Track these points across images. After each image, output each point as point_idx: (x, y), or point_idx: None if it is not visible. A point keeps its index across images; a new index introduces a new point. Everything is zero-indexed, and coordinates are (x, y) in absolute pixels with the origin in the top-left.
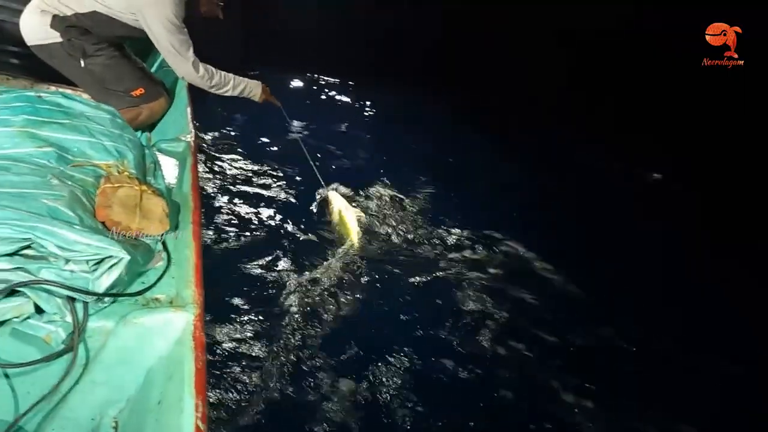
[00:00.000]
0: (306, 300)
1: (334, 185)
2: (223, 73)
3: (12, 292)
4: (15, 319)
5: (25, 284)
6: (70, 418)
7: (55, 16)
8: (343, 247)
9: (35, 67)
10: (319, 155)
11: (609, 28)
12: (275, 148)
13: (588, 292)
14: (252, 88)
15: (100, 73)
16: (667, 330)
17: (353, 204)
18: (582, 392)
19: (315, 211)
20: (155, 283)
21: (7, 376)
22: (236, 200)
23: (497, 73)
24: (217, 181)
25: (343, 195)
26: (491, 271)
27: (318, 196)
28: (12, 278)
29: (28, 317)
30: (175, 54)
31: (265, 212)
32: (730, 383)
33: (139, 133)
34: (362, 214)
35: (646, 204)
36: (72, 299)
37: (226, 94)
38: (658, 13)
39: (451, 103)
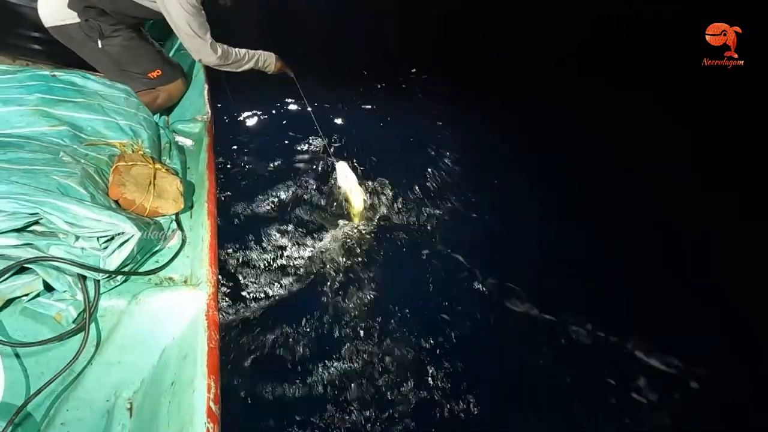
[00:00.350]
0: (319, 280)
1: (345, 164)
2: (236, 49)
3: (21, 269)
4: (24, 297)
5: (34, 261)
6: (84, 399)
7: None
8: (351, 225)
9: (55, 52)
10: (328, 134)
11: (609, 28)
12: (289, 128)
13: (587, 292)
14: (266, 59)
15: (117, 54)
16: (667, 329)
17: (359, 183)
18: (582, 391)
19: (326, 188)
20: (169, 262)
21: (17, 355)
22: (251, 179)
23: (497, 73)
24: (233, 161)
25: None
26: (487, 267)
27: (330, 171)
28: (21, 254)
29: (38, 295)
30: (193, 36)
31: (280, 191)
32: (731, 383)
33: (156, 116)
34: (366, 196)
35: (647, 203)
36: (83, 277)
37: (240, 69)
38: (658, 13)
39: (451, 103)
